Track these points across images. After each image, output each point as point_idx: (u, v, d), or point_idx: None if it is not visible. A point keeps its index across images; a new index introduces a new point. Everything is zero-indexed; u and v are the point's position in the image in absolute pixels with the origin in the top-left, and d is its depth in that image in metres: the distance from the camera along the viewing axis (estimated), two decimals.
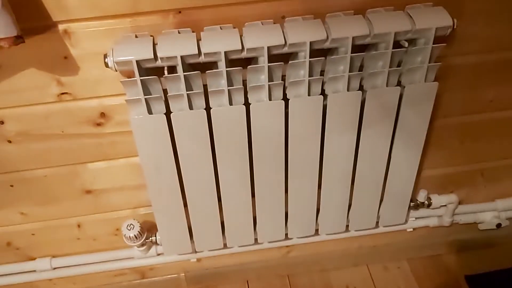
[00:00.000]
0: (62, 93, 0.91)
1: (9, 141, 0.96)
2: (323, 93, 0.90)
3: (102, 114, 0.95)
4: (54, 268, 1.20)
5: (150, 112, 0.86)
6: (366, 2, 0.87)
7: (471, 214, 1.30)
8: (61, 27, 0.82)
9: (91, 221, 1.14)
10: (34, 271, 1.20)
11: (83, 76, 0.89)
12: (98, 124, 0.97)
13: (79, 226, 1.15)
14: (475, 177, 1.24)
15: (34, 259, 1.20)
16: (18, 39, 0.72)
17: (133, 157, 1.04)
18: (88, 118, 0.95)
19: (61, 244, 1.18)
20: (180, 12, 0.84)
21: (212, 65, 0.85)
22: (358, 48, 0.85)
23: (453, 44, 0.97)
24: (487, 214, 1.30)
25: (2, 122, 0.93)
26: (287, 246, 1.31)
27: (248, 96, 0.88)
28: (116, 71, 0.81)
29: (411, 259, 1.40)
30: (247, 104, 0.88)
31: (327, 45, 0.83)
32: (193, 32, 0.83)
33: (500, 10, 0.94)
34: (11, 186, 1.04)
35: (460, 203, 1.27)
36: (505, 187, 1.28)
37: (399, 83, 0.92)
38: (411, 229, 1.31)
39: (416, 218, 1.27)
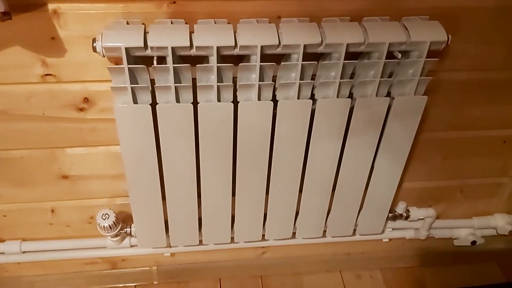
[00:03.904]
0: (46, 74, 0.88)
1: None
2: (312, 97, 0.89)
3: (86, 99, 0.93)
4: (24, 252, 1.17)
5: (135, 101, 0.84)
6: (362, 9, 0.87)
7: (448, 230, 1.31)
8: (50, 6, 0.80)
9: (65, 207, 1.12)
10: (3, 253, 1.17)
11: (69, 59, 0.86)
12: (81, 109, 0.94)
13: (52, 211, 1.12)
14: (454, 193, 1.25)
15: (3, 241, 1.16)
16: (5, 16, 0.70)
17: (113, 146, 1.01)
18: (70, 102, 0.93)
19: (33, 228, 1.15)
20: (174, 2, 0.82)
21: (203, 59, 0.84)
22: (351, 55, 0.85)
23: (445, 60, 0.97)
24: (463, 231, 1.30)
25: None
26: (262, 247, 1.30)
27: (237, 94, 0.87)
28: (104, 56, 0.79)
29: (385, 269, 1.40)
30: (235, 102, 0.87)
31: (320, 49, 0.82)
32: (186, 24, 0.82)
33: (495, 31, 0.94)
34: None
35: (437, 217, 1.27)
36: (483, 205, 1.29)
37: (388, 94, 0.91)
38: (387, 240, 1.32)
39: (392, 229, 1.27)
